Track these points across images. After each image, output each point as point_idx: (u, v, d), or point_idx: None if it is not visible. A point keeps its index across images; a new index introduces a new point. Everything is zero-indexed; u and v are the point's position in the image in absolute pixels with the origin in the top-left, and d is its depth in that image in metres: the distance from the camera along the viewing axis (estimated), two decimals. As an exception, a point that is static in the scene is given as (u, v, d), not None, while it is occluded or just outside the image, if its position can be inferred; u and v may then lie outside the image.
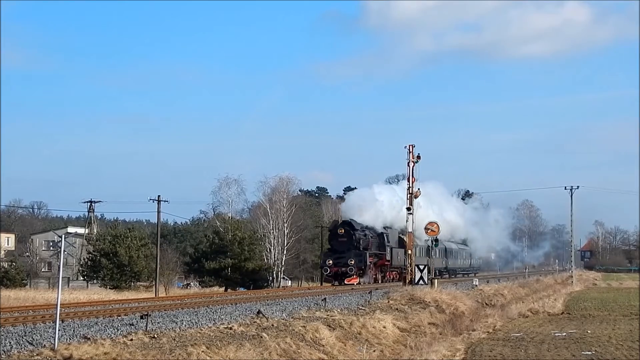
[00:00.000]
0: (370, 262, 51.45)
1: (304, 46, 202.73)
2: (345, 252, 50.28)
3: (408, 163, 42.00)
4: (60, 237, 15.65)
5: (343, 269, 49.67)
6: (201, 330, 18.70)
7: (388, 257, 55.21)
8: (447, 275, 73.64)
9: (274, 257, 71.20)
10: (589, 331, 28.63)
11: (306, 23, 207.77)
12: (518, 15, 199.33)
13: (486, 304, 41.24)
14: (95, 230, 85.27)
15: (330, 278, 51.06)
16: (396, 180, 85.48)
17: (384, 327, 25.07)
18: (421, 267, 40.86)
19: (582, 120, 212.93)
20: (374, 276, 52.84)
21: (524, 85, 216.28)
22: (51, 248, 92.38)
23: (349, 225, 51.90)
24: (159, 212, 60.16)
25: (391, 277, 56.44)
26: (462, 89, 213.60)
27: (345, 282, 48.90)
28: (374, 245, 53.54)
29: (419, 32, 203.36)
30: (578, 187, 75.35)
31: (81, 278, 75.99)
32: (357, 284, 48.07)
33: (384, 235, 55.75)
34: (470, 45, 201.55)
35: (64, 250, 15.60)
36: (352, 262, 49.51)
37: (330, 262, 50.01)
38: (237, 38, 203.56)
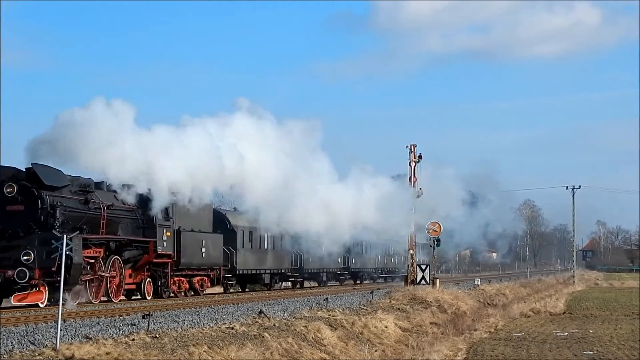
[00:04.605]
0: (97, 255, 26.50)
1: (311, 46, 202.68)
2: (20, 236, 24.67)
3: (409, 162, 41.97)
4: (62, 236, 15.64)
5: (9, 272, 23.87)
6: (203, 330, 18.69)
7: (165, 250, 30.43)
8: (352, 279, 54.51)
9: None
10: (590, 331, 28.63)
11: (315, 23, 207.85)
12: (528, 16, 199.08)
13: (488, 303, 41.22)
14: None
15: None
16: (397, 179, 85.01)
17: (386, 327, 25.06)
18: (423, 267, 40.85)
19: (585, 119, 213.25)
20: (123, 285, 28.33)
21: (529, 85, 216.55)
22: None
23: (33, 178, 24.98)
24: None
25: (184, 286, 32.52)
26: (468, 89, 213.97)
27: (13, 301, 24.37)
28: (122, 223, 28.72)
29: (428, 33, 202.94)
30: (580, 186, 75.43)
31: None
32: (43, 304, 24.13)
33: (150, 203, 29.29)
34: (479, 46, 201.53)
35: (66, 251, 15.59)
36: (30, 259, 23.99)
37: None
38: (243, 38, 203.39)
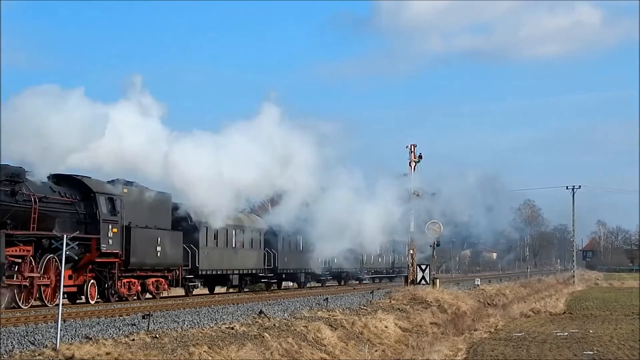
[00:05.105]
0: (25, 254, 23.82)
1: (313, 47, 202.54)
2: None
3: (410, 162, 41.99)
4: (62, 236, 15.62)
5: None
6: (203, 330, 18.70)
7: (111, 248, 27.56)
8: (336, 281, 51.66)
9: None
10: (590, 331, 28.62)
11: (316, 24, 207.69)
12: (529, 17, 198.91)
13: (488, 303, 41.23)
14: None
15: None
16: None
17: (386, 327, 25.06)
18: (423, 267, 40.84)
19: (585, 119, 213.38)
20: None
21: (530, 86, 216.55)
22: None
23: None
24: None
25: (136, 289, 29.59)
26: (470, 89, 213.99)
27: None
28: (59, 218, 25.97)
29: (429, 34, 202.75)
30: (580, 186, 75.47)
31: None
32: None
33: (97, 196, 27.32)
34: (480, 46, 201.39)
35: (66, 251, 15.58)
36: None
37: None
38: (244, 38, 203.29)
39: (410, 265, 41.60)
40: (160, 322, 19.61)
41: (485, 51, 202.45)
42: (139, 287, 30.03)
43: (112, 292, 28.21)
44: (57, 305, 15.63)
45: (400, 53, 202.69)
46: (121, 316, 21.69)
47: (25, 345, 15.06)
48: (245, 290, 40.59)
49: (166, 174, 29.17)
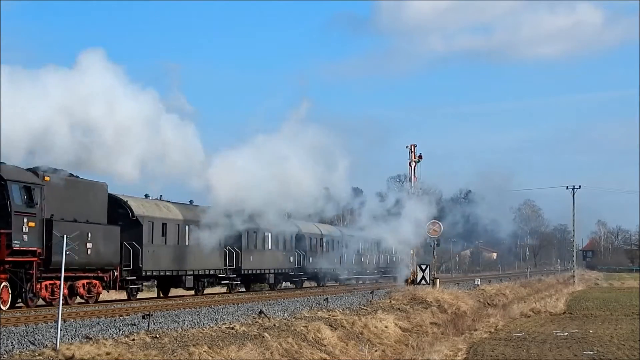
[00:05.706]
0: None
1: (313, 47, 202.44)
2: None
3: (410, 163, 42.00)
4: (62, 236, 15.60)
5: None
6: (203, 330, 18.71)
7: (27, 245, 23.82)
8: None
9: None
10: (590, 331, 28.63)
11: (316, 24, 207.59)
12: (530, 17, 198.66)
13: (488, 303, 41.22)
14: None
15: None
16: (398, 180, 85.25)
17: (386, 327, 25.06)
18: (423, 267, 40.85)
19: (585, 119, 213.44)
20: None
21: (530, 86, 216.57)
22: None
23: None
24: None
25: (50, 291, 25.28)
26: (470, 89, 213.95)
27: None
28: None
29: (430, 34, 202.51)
30: (580, 186, 75.44)
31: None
32: None
33: (8, 185, 23.66)
34: (481, 46, 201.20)
35: (66, 252, 15.58)
36: None
37: None
38: (243, 38, 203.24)
39: (410, 265, 41.60)
40: (160, 322, 19.63)
41: (485, 51, 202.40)
42: (66, 290, 26.22)
43: (31, 295, 24.40)
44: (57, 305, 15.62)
45: (400, 53, 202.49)
46: (121, 316, 21.71)
47: (25, 345, 15.07)
48: (203, 293, 36.25)
49: (206, 184, 30.45)
